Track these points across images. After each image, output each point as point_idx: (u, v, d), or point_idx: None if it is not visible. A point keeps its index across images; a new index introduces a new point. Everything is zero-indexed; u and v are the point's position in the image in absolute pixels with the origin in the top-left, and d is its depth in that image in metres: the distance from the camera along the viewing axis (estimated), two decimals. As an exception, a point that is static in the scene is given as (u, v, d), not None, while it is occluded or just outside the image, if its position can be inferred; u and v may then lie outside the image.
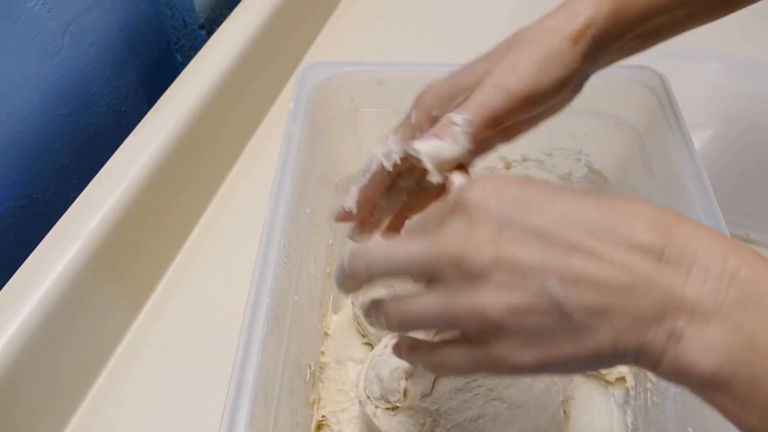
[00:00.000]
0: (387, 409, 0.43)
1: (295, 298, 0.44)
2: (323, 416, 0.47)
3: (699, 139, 0.65)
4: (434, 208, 0.30)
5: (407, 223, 0.34)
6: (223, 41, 0.68)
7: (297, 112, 0.49)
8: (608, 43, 0.36)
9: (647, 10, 0.36)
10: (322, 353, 0.51)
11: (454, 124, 0.33)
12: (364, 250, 0.29)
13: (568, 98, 0.37)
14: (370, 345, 0.51)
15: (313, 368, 0.47)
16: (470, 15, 0.85)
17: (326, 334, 0.53)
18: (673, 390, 0.43)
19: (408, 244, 0.28)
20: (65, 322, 0.48)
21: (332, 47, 0.82)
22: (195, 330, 0.55)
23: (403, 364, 0.43)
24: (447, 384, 0.42)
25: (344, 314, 0.53)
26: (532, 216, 0.25)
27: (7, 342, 0.44)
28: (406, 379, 0.43)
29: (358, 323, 0.51)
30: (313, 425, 0.47)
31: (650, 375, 0.46)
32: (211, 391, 0.48)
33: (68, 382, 0.50)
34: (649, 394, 0.46)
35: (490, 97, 0.34)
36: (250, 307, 0.37)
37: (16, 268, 0.48)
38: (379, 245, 0.29)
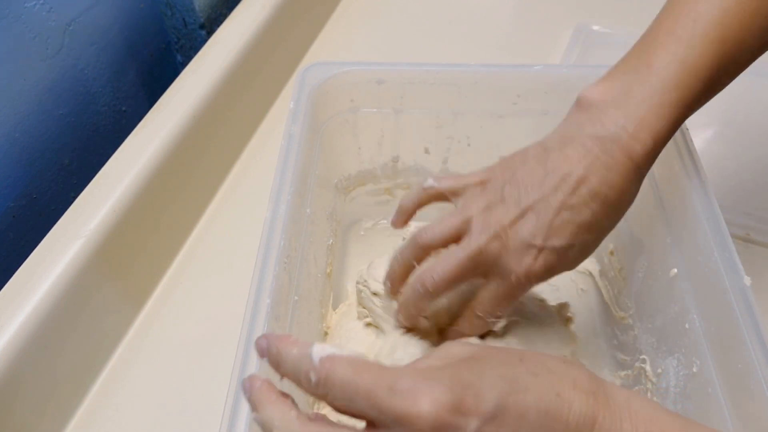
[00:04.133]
0: None
1: (295, 298, 0.44)
2: (323, 414, 0.47)
3: (699, 139, 0.65)
4: (367, 384, 0.26)
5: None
6: (223, 41, 0.68)
7: (297, 112, 0.49)
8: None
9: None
10: (322, 353, 0.51)
11: None
12: None
13: None
14: (374, 326, 0.50)
15: (313, 368, 0.47)
16: (470, 15, 0.85)
17: (326, 334, 0.53)
18: (673, 390, 0.43)
19: None
20: (65, 322, 0.48)
21: (332, 47, 0.82)
22: (195, 330, 0.55)
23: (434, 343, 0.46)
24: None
25: (341, 311, 0.53)
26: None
27: (7, 342, 0.44)
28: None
29: (363, 306, 0.51)
30: (313, 425, 0.47)
31: (650, 375, 0.46)
32: (211, 391, 0.48)
33: (68, 382, 0.50)
34: (649, 394, 0.46)
35: None
36: (250, 307, 0.37)
37: (16, 268, 0.48)
38: None
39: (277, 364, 0.29)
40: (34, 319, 0.45)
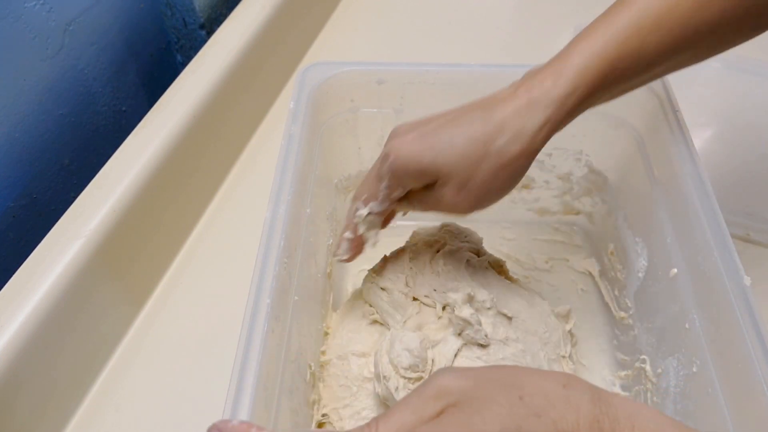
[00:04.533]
0: (409, 379, 0.44)
1: (295, 298, 0.44)
2: (324, 414, 0.47)
3: (699, 139, 0.65)
4: None
5: None
6: (223, 41, 0.68)
7: (297, 112, 0.49)
8: (585, 107, 0.40)
9: (641, 67, 0.40)
10: (323, 353, 0.51)
11: None
12: None
13: None
14: (378, 323, 0.50)
15: (313, 368, 0.47)
16: (470, 15, 0.85)
17: (326, 334, 0.53)
18: (673, 390, 0.43)
19: None
20: (65, 322, 0.48)
21: (332, 47, 0.82)
22: (195, 330, 0.55)
23: (430, 335, 0.46)
24: (469, 355, 0.45)
25: (343, 311, 0.53)
26: None
27: (7, 342, 0.44)
28: (433, 347, 0.46)
29: (370, 302, 0.51)
30: (314, 425, 0.47)
31: (650, 375, 0.46)
32: (211, 391, 0.48)
33: (68, 382, 0.50)
34: (649, 394, 0.46)
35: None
36: (250, 307, 0.37)
37: (16, 268, 0.48)
38: None
39: None
40: (34, 319, 0.45)
